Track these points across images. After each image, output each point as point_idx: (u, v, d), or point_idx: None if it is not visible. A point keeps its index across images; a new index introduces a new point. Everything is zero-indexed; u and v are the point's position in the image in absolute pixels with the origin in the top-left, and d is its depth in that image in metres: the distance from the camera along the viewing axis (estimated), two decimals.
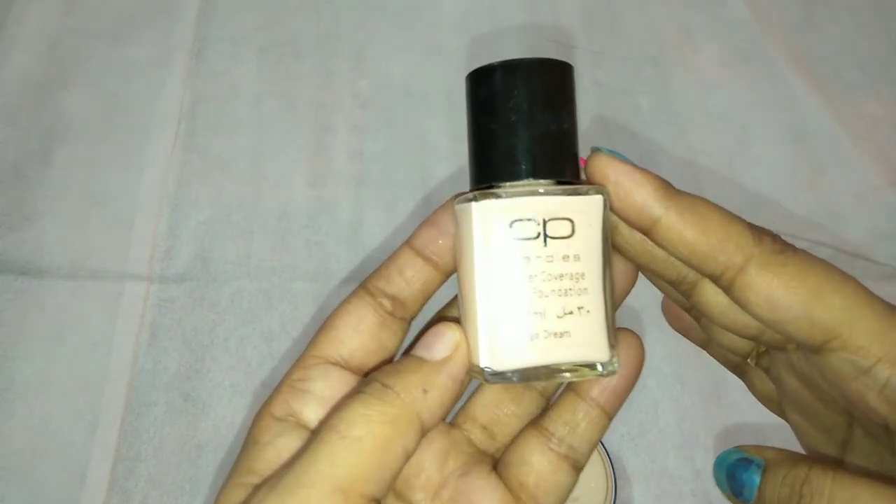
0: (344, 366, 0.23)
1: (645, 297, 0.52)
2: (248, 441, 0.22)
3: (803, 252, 0.22)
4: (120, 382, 0.47)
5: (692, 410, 0.47)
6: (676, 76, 0.60)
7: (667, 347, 0.49)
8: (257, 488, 0.20)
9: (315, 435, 0.20)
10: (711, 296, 0.23)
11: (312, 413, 0.22)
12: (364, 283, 0.24)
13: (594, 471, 0.42)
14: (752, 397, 0.51)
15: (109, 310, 0.49)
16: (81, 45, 0.60)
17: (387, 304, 0.24)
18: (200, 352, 0.48)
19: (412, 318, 0.25)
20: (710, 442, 0.46)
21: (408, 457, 0.20)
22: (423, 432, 0.21)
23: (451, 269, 0.24)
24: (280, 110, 0.58)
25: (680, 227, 0.22)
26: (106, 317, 0.49)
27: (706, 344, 0.28)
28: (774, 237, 0.22)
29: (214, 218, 0.53)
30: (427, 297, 0.24)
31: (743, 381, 0.28)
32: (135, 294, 0.50)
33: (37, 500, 0.44)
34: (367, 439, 0.19)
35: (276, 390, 0.23)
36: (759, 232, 0.22)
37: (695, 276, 0.23)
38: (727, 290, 0.22)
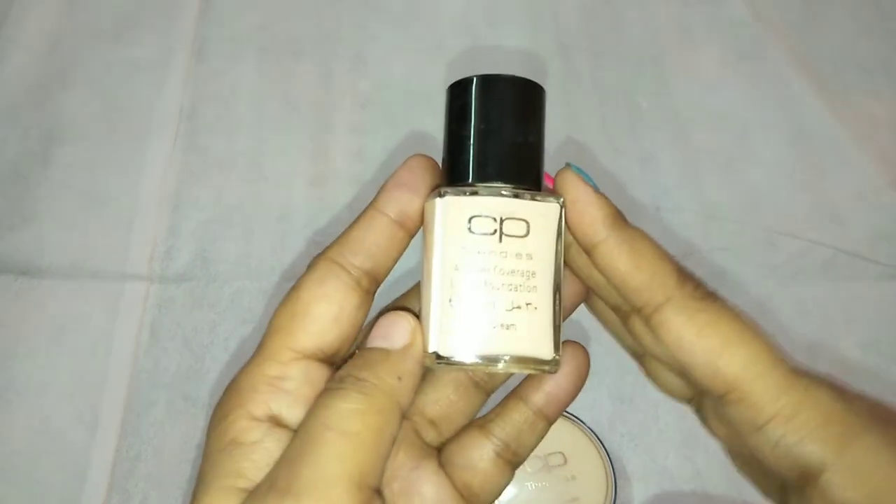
0: (322, 358, 0.23)
1: None
2: (227, 442, 0.21)
3: (723, 302, 0.23)
4: (120, 382, 0.47)
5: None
6: (676, 76, 0.60)
7: None
8: (254, 494, 0.20)
9: (307, 435, 0.20)
10: (643, 326, 0.24)
11: (294, 415, 0.22)
12: (336, 257, 0.23)
13: (594, 471, 0.42)
14: None
15: (109, 310, 0.49)
16: (81, 45, 0.60)
17: (365, 282, 0.23)
18: (200, 352, 0.48)
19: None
20: (710, 442, 0.46)
21: (394, 442, 0.21)
22: (403, 417, 0.21)
23: (417, 230, 0.24)
24: (280, 110, 0.58)
25: (615, 255, 0.23)
26: (106, 317, 0.49)
27: None
28: (698, 284, 0.23)
29: (214, 218, 0.53)
30: (395, 262, 0.24)
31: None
32: (135, 294, 0.50)
33: (37, 500, 0.44)
34: (364, 433, 0.20)
35: (251, 387, 0.22)
36: (685, 276, 0.23)
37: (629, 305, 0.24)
38: (646, 324, 0.23)
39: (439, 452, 0.26)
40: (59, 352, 0.48)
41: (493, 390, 0.28)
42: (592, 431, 0.43)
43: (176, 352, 0.48)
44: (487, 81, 0.24)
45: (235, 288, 0.50)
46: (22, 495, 0.44)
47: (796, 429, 0.21)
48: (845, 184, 0.55)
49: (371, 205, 0.24)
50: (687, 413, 0.47)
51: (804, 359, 0.53)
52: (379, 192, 0.24)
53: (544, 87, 0.25)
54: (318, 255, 0.23)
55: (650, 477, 0.45)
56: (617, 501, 0.42)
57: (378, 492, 0.20)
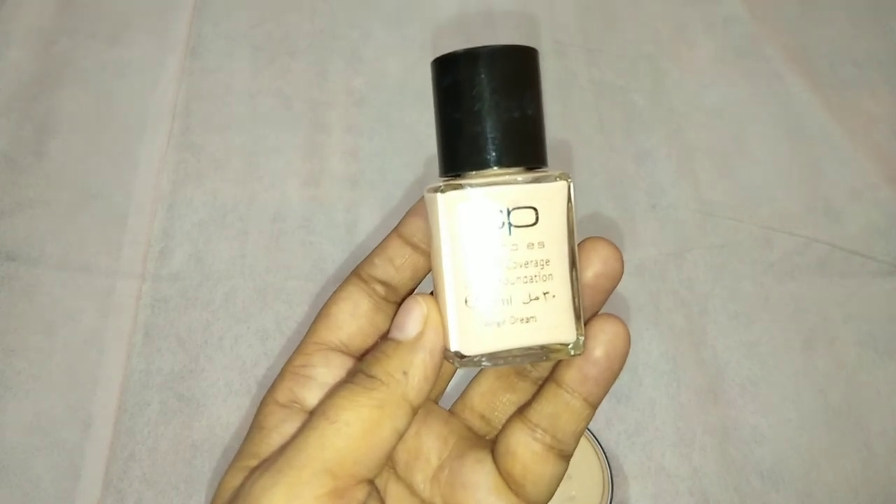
0: (344, 351, 0.24)
1: (642, 296, 0.52)
2: (253, 426, 0.23)
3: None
4: (113, 382, 0.47)
5: (688, 408, 0.47)
6: (672, 73, 0.60)
7: (663, 345, 0.48)
8: (254, 470, 0.21)
9: (307, 422, 0.21)
10: None
11: (315, 399, 0.23)
12: (356, 270, 0.25)
13: (591, 469, 0.42)
14: (749, 396, 0.51)
15: (100, 305, 0.49)
16: (76, 43, 0.60)
17: (380, 289, 0.25)
18: (195, 351, 0.48)
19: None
20: (706, 440, 0.46)
21: (400, 436, 0.21)
22: (414, 410, 0.22)
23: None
24: (275, 109, 0.57)
25: None
26: (97, 312, 0.49)
27: None
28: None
29: (209, 217, 0.53)
30: (418, 281, 0.26)
31: None
32: (127, 292, 0.49)
33: (31, 500, 0.44)
34: (354, 424, 0.20)
35: (280, 377, 0.24)
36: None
37: None
38: None
39: (491, 443, 0.26)
40: (51, 345, 0.47)
41: (541, 378, 0.26)
42: (589, 430, 0.43)
43: (170, 351, 0.48)
44: (474, 55, 0.22)
45: (229, 287, 0.50)
46: (15, 495, 0.44)
47: None
48: (841, 180, 0.55)
49: (394, 229, 0.26)
50: (683, 411, 0.47)
51: (800, 355, 0.53)
52: (403, 218, 0.25)
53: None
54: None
55: (647, 475, 0.45)
56: (613, 500, 0.42)
57: (369, 482, 0.21)
